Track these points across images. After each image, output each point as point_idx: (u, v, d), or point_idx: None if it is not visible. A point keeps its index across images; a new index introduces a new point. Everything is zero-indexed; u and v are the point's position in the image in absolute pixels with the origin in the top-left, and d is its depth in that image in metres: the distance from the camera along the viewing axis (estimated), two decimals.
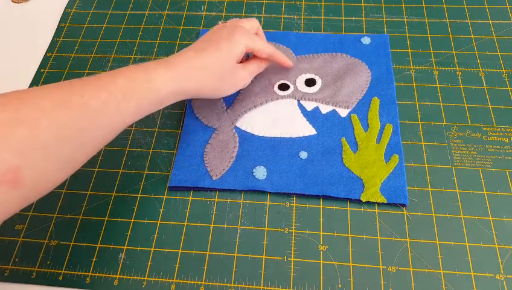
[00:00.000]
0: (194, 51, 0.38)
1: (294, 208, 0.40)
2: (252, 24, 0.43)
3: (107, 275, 0.38)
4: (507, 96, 0.45)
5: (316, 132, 0.44)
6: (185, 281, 0.37)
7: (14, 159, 0.27)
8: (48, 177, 0.29)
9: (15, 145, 0.27)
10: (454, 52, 0.49)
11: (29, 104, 0.28)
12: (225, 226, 0.40)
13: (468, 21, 0.52)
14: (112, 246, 0.39)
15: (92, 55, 0.52)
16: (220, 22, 0.43)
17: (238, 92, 0.47)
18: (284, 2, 0.55)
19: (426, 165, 0.42)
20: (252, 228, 0.39)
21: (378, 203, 0.40)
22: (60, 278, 0.38)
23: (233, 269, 0.37)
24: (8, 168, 0.26)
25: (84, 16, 0.56)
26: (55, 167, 0.30)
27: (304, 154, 0.42)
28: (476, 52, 0.49)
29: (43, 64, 0.52)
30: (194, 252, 0.38)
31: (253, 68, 0.43)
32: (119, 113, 0.33)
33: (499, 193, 0.40)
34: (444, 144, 0.43)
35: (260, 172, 0.41)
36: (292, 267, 0.37)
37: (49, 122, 0.28)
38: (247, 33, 0.41)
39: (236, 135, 0.44)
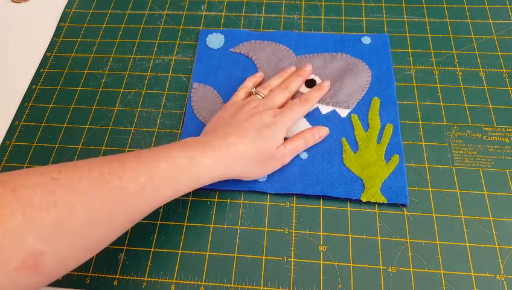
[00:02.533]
0: (237, 136, 0.37)
1: (294, 208, 0.40)
2: (285, 96, 0.43)
3: (107, 275, 0.37)
4: (507, 96, 0.45)
5: None
6: (184, 282, 0.37)
7: (39, 245, 0.25)
8: (68, 262, 0.28)
9: (43, 230, 0.25)
10: (454, 52, 0.49)
11: (65, 186, 0.27)
12: (225, 226, 0.40)
13: (469, 21, 0.52)
14: (111, 246, 0.39)
15: (92, 55, 0.52)
16: (253, 91, 0.43)
17: None
18: (284, 1, 0.55)
19: (426, 165, 0.42)
20: (252, 228, 0.39)
21: (379, 204, 0.40)
22: (60, 278, 0.38)
23: (233, 269, 0.37)
24: (30, 254, 0.25)
25: (84, 15, 0.56)
26: (79, 252, 0.28)
27: (304, 155, 0.42)
28: (477, 52, 0.49)
29: (42, 64, 0.51)
30: (194, 252, 0.38)
31: (296, 146, 0.41)
32: (155, 198, 0.31)
33: (499, 193, 0.40)
34: (444, 144, 0.43)
35: None
36: (292, 267, 0.37)
37: (82, 206, 0.27)
38: (285, 119, 0.40)
39: None
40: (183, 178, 0.33)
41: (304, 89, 0.46)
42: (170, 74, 0.49)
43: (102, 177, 0.29)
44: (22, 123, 0.47)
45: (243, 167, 0.37)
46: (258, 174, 0.39)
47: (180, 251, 0.38)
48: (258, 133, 0.37)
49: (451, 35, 0.50)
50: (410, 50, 0.49)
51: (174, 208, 0.41)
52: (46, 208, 0.25)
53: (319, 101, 0.45)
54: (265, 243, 0.39)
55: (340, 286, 0.36)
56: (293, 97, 0.46)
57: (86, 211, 0.27)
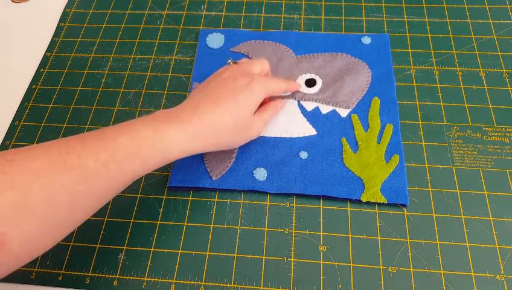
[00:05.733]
0: (209, 104, 0.35)
1: (294, 208, 0.40)
2: (263, 67, 0.41)
3: (107, 276, 0.37)
4: (507, 96, 0.45)
5: (316, 132, 0.44)
6: (184, 282, 0.37)
7: (1, 225, 0.25)
8: (36, 242, 0.27)
9: (2, 211, 0.25)
10: (454, 52, 0.49)
11: (20, 166, 0.27)
12: (225, 226, 0.39)
13: (469, 21, 0.52)
14: (111, 247, 0.39)
15: (92, 55, 0.52)
16: (229, 61, 0.41)
17: None
18: (284, 1, 0.55)
19: (427, 165, 0.41)
20: (252, 228, 0.39)
21: (379, 204, 0.40)
22: (60, 278, 0.38)
23: (233, 270, 0.37)
24: None
25: (84, 15, 0.56)
26: (45, 232, 0.28)
27: (304, 155, 0.42)
28: (477, 52, 0.49)
29: (42, 64, 0.51)
30: (193, 252, 0.38)
31: (269, 116, 0.41)
32: (120, 174, 0.30)
33: (499, 193, 0.40)
34: (444, 144, 0.43)
35: (260, 174, 0.41)
36: (292, 267, 0.37)
37: (41, 186, 0.26)
38: (263, 82, 0.38)
39: None
40: (149, 152, 0.31)
41: (304, 88, 0.46)
42: (170, 74, 0.49)
43: (60, 156, 0.28)
44: (22, 123, 0.47)
45: (217, 138, 0.35)
46: (231, 144, 0.38)
47: (180, 251, 0.38)
48: (232, 98, 0.35)
49: (451, 35, 0.50)
50: (410, 50, 0.49)
51: (174, 208, 0.41)
52: (2, 189, 0.25)
53: (320, 101, 0.45)
54: (265, 243, 0.39)
55: (340, 286, 0.36)
56: (294, 97, 0.46)
57: (45, 190, 0.27)
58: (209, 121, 0.34)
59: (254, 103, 0.37)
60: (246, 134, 0.39)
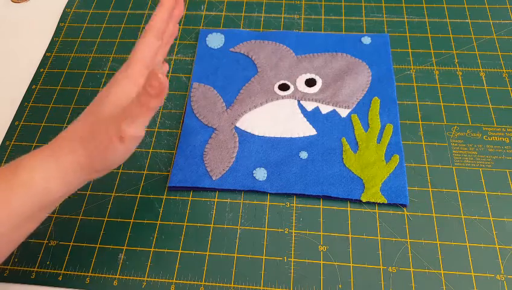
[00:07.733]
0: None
1: (294, 208, 0.40)
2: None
3: (107, 276, 0.37)
4: (507, 96, 0.45)
5: (316, 132, 0.44)
6: (184, 282, 0.37)
7: None
8: None
9: None
10: (454, 52, 0.49)
11: None
12: (225, 226, 0.39)
13: (469, 21, 0.52)
14: (111, 247, 0.39)
15: (92, 55, 0.52)
16: None
17: (238, 92, 0.47)
18: (284, 1, 0.55)
19: (427, 165, 0.41)
20: (252, 228, 0.39)
21: (379, 204, 0.40)
22: (60, 278, 0.38)
23: (233, 270, 0.37)
24: None
25: (84, 15, 0.56)
26: None
27: (304, 155, 0.42)
28: (477, 52, 0.49)
29: (42, 64, 0.51)
30: (193, 252, 0.38)
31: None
32: None
33: (499, 193, 0.40)
34: (444, 144, 0.43)
35: (260, 174, 0.41)
36: (292, 267, 0.37)
37: None
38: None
39: (236, 135, 0.44)
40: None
41: (303, 88, 0.46)
42: (170, 74, 0.49)
43: None
44: (22, 123, 0.47)
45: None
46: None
47: (180, 251, 0.38)
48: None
49: (451, 35, 0.50)
50: (410, 50, 0.49)
51: (173, 208, 0.41)
52: None
53: (320, 101, 0.45)
54: (265, 243, 0.39)
55: (340, 286, 0.36)
56: (294, 97, 0.46)
57: None
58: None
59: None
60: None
